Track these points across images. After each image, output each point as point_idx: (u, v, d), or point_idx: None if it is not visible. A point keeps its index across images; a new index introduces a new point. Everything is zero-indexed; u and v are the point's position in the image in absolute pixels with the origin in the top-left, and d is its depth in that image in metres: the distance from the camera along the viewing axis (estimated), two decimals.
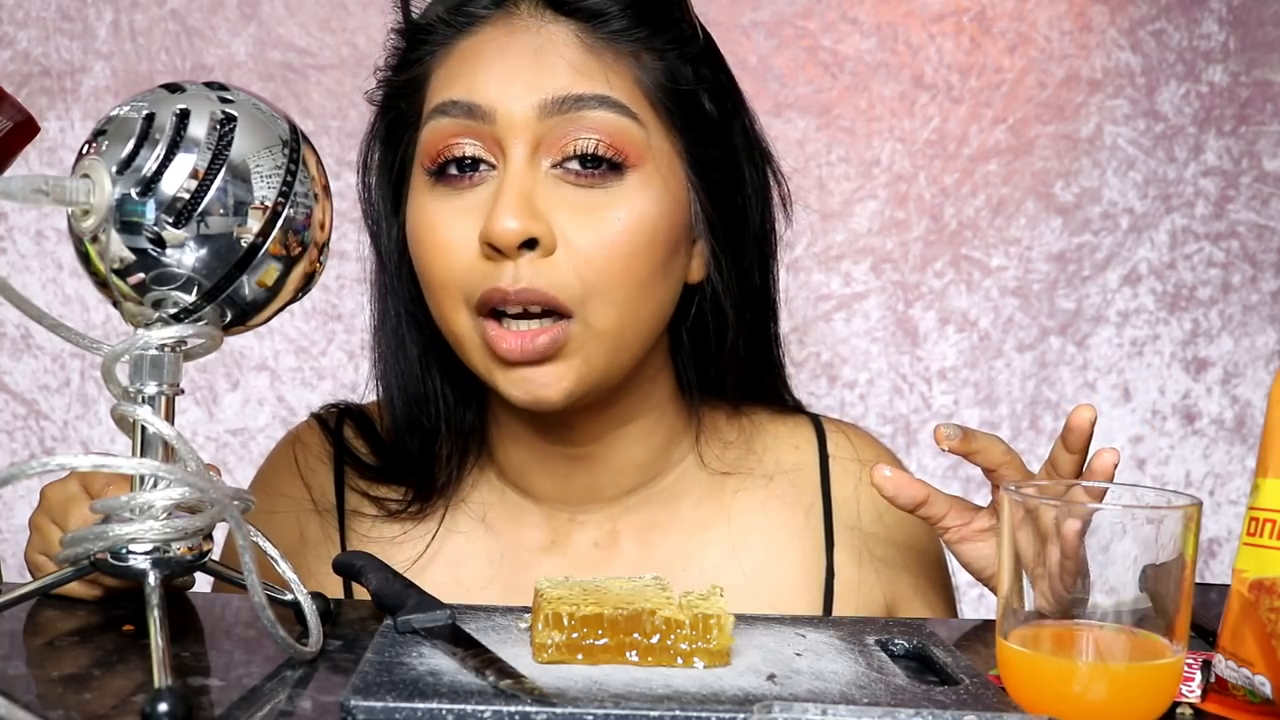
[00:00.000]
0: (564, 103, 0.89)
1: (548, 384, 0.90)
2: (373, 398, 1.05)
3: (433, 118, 0.92)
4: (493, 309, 0.89)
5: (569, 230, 0.89)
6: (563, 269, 0.88)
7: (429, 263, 0.92)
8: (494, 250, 0.88)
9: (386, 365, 1.01)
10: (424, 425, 1.00)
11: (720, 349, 0.99)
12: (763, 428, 1.06)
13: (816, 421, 1.08)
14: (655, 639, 0.71)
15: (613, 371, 0.93)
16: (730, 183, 0.97)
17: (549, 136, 0.89)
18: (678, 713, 0.65)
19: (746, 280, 0.99)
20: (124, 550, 0.72)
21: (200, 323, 0.73)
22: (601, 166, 0.89)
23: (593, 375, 0.91)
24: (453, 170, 0.91)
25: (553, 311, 0.89)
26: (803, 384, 1.64)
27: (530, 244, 0.88)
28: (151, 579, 0.71)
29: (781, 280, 1.05)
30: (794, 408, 1.09)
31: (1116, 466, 0.84)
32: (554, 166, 0.90)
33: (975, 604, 1.44)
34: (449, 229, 0.90)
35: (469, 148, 0.90)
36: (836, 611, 1.01)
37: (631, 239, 0.90)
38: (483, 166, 0.91)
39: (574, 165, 0.89)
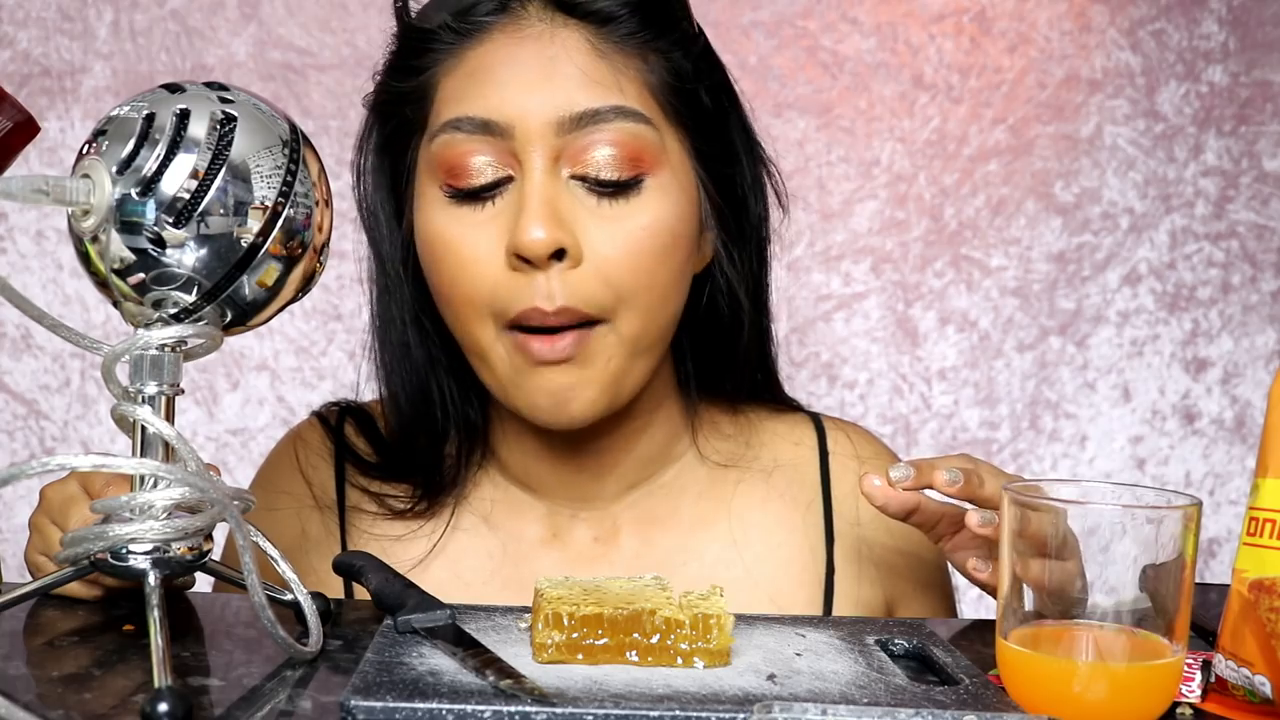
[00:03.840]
0: (582, 118, 0.88)
1: (573, 386, 0.90)
2: (370, 396, 1.06)
3: (446, 132, 0.90)
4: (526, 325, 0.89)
5: (594, 240, 0.89)
6: (591, 280, 0.89)
7: (452, 280, 0.91)
8: (522, 262, 0.88)
9: (390, 367, 1.01)
10: (429, 425, 1.00)
11: (735, 340, 1.00)
12: (762, 424, 1.06)
13: (816, 419, 1.08)
14: (655, 639, 0.71)
15: (632, 379, 0.93)
16: (731, 176, 0.98)
17: (568, 149, 0.89)
18: (678, 713, 0.65)
19: (749, 271, 1.00)
20: (124, 550, 0.72)
21: (200, 323, 0.73)
22: (620, 176, 0.89)
23: (619, 381, 0.92)
24: (474, 191, 0.90)
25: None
26: (803, 384, 1.64)
27: (558, 254, 0.88)
28: (151, 579, 0.71)
29: (781, 280, 1.05)
30: (792, 406, 1.09)
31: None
32: (573, 177, 0.89)
33: (975, 604, 1.44)
34: (471, 244, 0.90)
35: (488, 170, 0.89)
36: (836, 608, 1.01)
37: (654, 246, 0.90)
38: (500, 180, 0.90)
39: (593, 177, 0.89)
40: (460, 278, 0.90)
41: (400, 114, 0.95)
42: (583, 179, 0.89)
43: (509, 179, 0.90)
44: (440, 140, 0.91)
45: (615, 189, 0.89)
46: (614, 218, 0.89)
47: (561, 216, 0.88)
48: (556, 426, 0.93)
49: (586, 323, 0.89)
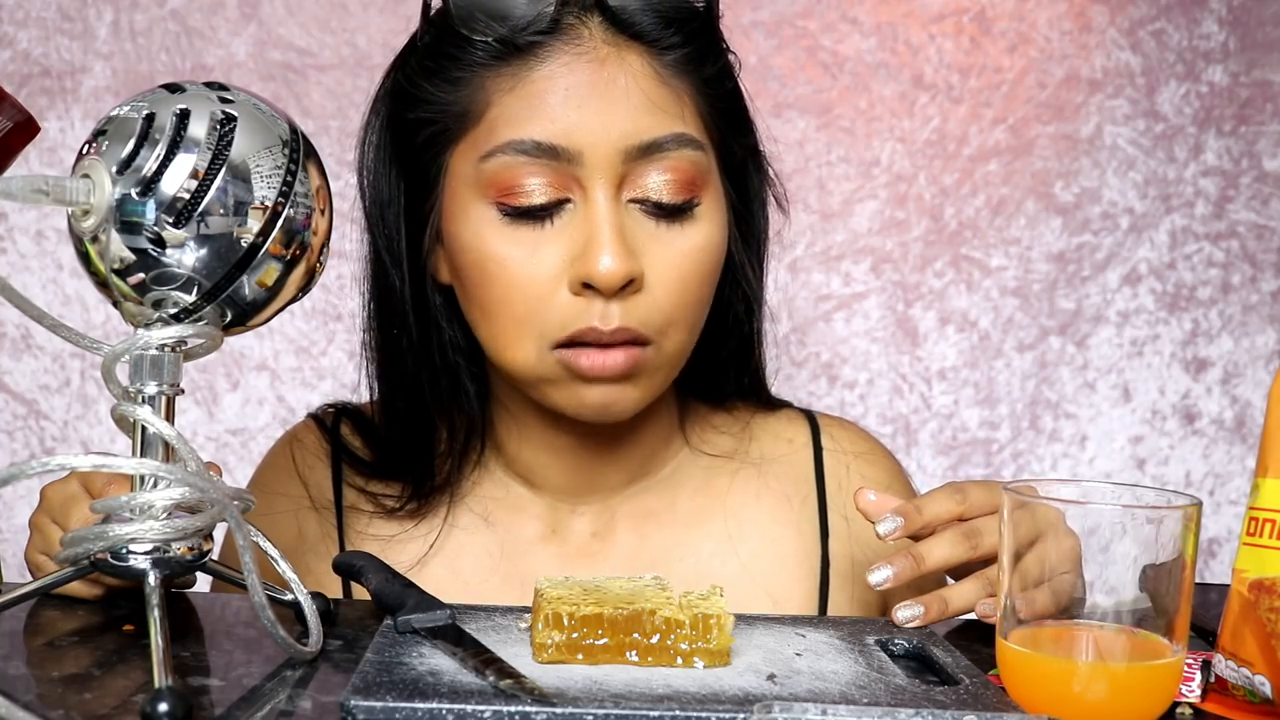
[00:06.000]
0: (650, 147, 0.89)
1: (619, 399, 0.92)
2: (368, 396, 1.06)
3: (505, 153, 0.89)
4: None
5: (654, 265, 0.90)
6: (648, 304, 0.90)
7: (503, 298, 0.90)
8: (587, 289, 0.88)
9: (385, 365, 1.01)
10: (423, 423, 1.00)
11: (740, 343, 1.02)
12: (755, 421, 1.08)
13: (810, 416, 1.09)
14: (655, 639, 0.71)
15: (666, 386, 0.96)
16: (746, 186, 0.99)
17: (630, 174, 0.89)
18: (678, 713, 0.65)
19: (756, 276, 1.02)
20: (124, 550, 0.72)
21: (200, 323, 0.73)
22: (678, 201, 0.90)
23: (657, 391, 0.95)
24: (532, 210, 0.89)
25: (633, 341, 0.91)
26: (802, 384, 1.64)
27: (626, 282, 0.88)
28: (151, 579, 0.71)
29: (781, 280, 1.06)
30: (782, 404, 1.10)
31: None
32: (631, 201, 0.90)
33: None
34: (531, 266, 0.89)
35: (547, 191, 0.89)
36: (832, 603, 1.02)
37: (703, 268, 0.92)
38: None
39: (652, 201, 0.90)
40: (511, 297, 0.90)
41: (437, 120, 0.93)
42: (641, 203, 0.90)
43: (567, 200, 0.89)
44: (498, 160, 0.89)
45: (672, 213, 0.90)
46: (669, 241, 0.90)
47: (630, 246, 0.88)
48: (596, 421, 0.95)
49: (637, 341, 0.90)
